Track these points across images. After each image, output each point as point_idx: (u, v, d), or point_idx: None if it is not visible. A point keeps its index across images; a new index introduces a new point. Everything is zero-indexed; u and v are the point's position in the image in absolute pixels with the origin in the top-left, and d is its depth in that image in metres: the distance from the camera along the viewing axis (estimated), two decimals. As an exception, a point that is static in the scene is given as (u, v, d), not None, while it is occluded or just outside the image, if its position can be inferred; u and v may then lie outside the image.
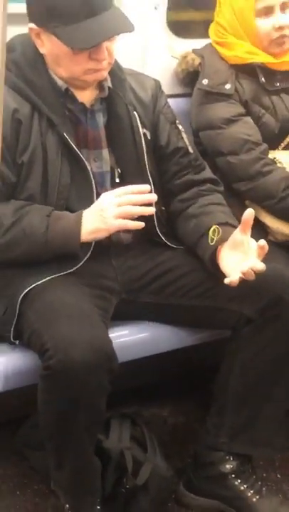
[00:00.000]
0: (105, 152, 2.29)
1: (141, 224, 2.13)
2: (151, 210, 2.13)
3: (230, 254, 2.16)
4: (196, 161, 2.44)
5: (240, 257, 2.12)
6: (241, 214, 2.14)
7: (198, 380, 2.57)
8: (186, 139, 2.42)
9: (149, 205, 2.12)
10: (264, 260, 2.15)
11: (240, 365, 2.30)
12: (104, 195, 2.16)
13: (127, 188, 2.14)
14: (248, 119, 2.65)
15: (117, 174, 2.30)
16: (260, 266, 2.04)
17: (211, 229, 2.22)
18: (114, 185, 2.27)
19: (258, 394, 2.30)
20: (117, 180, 2.29)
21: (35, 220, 2.13)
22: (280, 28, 2.62)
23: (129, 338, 2.29)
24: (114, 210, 2.11)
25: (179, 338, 2.38)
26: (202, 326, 2.39)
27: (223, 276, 2.12)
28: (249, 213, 2.09)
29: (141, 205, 2.10)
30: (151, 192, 2.15)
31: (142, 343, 2.32)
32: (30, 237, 2.12)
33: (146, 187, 2.13)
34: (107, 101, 2.28)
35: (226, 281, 2.08)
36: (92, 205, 2.16)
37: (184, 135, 2.42)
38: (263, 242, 2.06)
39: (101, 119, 2.28)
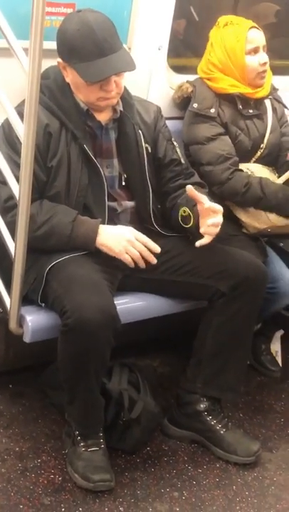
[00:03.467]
0: (115, 161, 2.29)
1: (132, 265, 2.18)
2: (153, 261, 2.19)
3: (202, 221, 2.19)
4: (186, 169, 2.44)
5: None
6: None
7: (181, 339, 2.52)
8: (179, 153, 2.42)
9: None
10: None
11: (214, 329, 2.30)
12: (131, 230, 2.18)
13: (146, 240, 2.19)
14: (226, 137, 2.63)
15: (123, 178, 2.29)
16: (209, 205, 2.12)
17: (180, 211, 2.25)
18: (121, 187, 2.27)
19: (227, 351, 2.31)
20: (123, 183, 2.28)
21: (63, 223, 2.11)
22: (264, 63, 2.63)
23: (129, 305, 2.28)
24: (128, 247, 2.14)
25: (168, 306, 2.38)
26: (186, 297, 2.37)
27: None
28: (188, 189, 2.15)
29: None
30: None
31: (139, 309, 2.32)
32: (58, 236, 2.11)
33: (157, 249, 2.18)
34: (118, 121, 2.27)
35: (197, 244, 2.16)
36: (117, 228, 2.18)
37: (178, 149, 2.42)
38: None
39: (113, 135, 2.27)
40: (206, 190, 2.46)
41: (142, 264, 2.19)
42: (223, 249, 2.33)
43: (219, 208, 2.15)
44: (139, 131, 2.29)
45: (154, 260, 2.19)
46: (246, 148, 2.69)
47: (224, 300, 2.26)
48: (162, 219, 2.40)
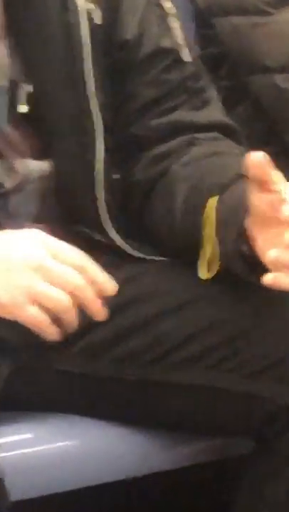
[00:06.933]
0: (1, 48, 1.71)
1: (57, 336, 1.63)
2: (103, 315, 1.59)
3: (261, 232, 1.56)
4: (196, 80, 1.74)
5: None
6: None
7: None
8: (180, 34, 1.80)
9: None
10: None
11: (271, 505, 1.80)
12: (39, 239, 1.63)
13: (87, 262, 1.60)
14: None
15: (24, 96, 1.73)
16: None
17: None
18: (14, 120, 1.73)
19: None
20: (23, 110, 1.74)
21: None
22: None
23: (34, 449, 1.66)
24: (37, 287, 1.59)
25: (144, 457, 1.76)
26: (199, 429, 1.74)
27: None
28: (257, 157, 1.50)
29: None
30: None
31: (62, 460, 1.68)
32: None
33: (112, 287, 1.62)
34: None
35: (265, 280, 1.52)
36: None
37: (176, 23, 1.79)
38: None
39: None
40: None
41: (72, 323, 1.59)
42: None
43: None
44: None
45: (113, 288, 1.60)
46: None
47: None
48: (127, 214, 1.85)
